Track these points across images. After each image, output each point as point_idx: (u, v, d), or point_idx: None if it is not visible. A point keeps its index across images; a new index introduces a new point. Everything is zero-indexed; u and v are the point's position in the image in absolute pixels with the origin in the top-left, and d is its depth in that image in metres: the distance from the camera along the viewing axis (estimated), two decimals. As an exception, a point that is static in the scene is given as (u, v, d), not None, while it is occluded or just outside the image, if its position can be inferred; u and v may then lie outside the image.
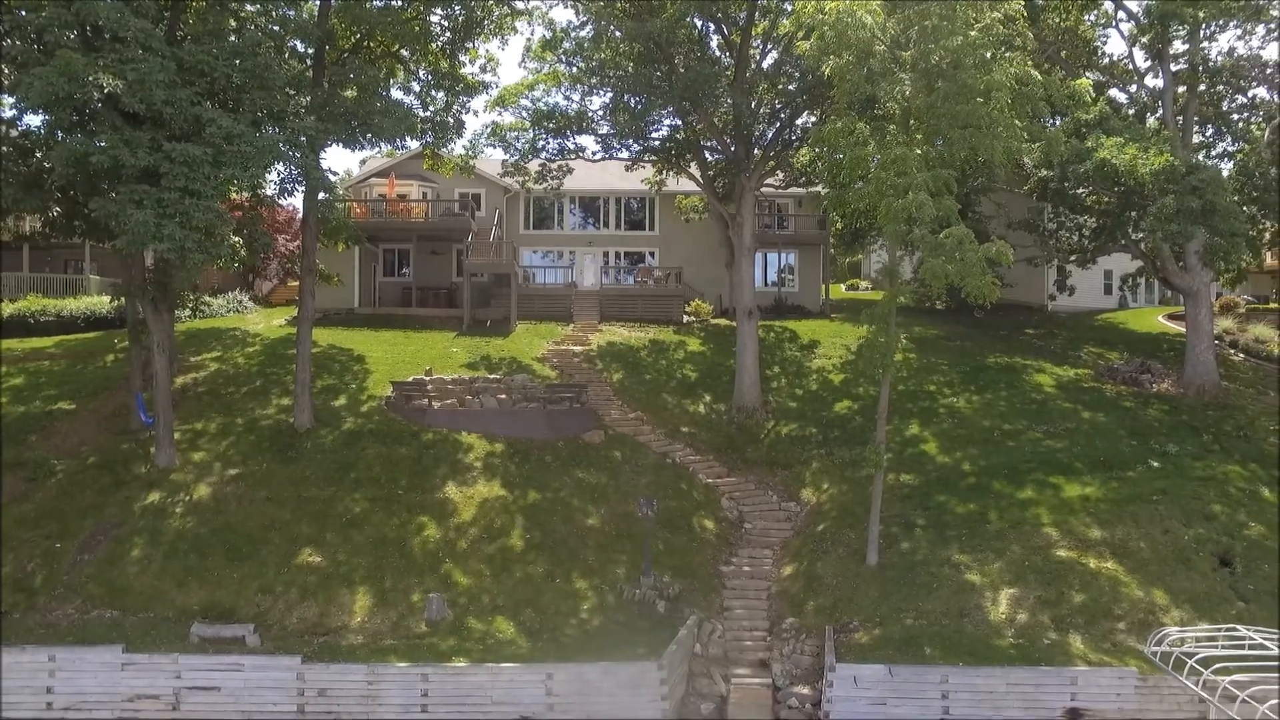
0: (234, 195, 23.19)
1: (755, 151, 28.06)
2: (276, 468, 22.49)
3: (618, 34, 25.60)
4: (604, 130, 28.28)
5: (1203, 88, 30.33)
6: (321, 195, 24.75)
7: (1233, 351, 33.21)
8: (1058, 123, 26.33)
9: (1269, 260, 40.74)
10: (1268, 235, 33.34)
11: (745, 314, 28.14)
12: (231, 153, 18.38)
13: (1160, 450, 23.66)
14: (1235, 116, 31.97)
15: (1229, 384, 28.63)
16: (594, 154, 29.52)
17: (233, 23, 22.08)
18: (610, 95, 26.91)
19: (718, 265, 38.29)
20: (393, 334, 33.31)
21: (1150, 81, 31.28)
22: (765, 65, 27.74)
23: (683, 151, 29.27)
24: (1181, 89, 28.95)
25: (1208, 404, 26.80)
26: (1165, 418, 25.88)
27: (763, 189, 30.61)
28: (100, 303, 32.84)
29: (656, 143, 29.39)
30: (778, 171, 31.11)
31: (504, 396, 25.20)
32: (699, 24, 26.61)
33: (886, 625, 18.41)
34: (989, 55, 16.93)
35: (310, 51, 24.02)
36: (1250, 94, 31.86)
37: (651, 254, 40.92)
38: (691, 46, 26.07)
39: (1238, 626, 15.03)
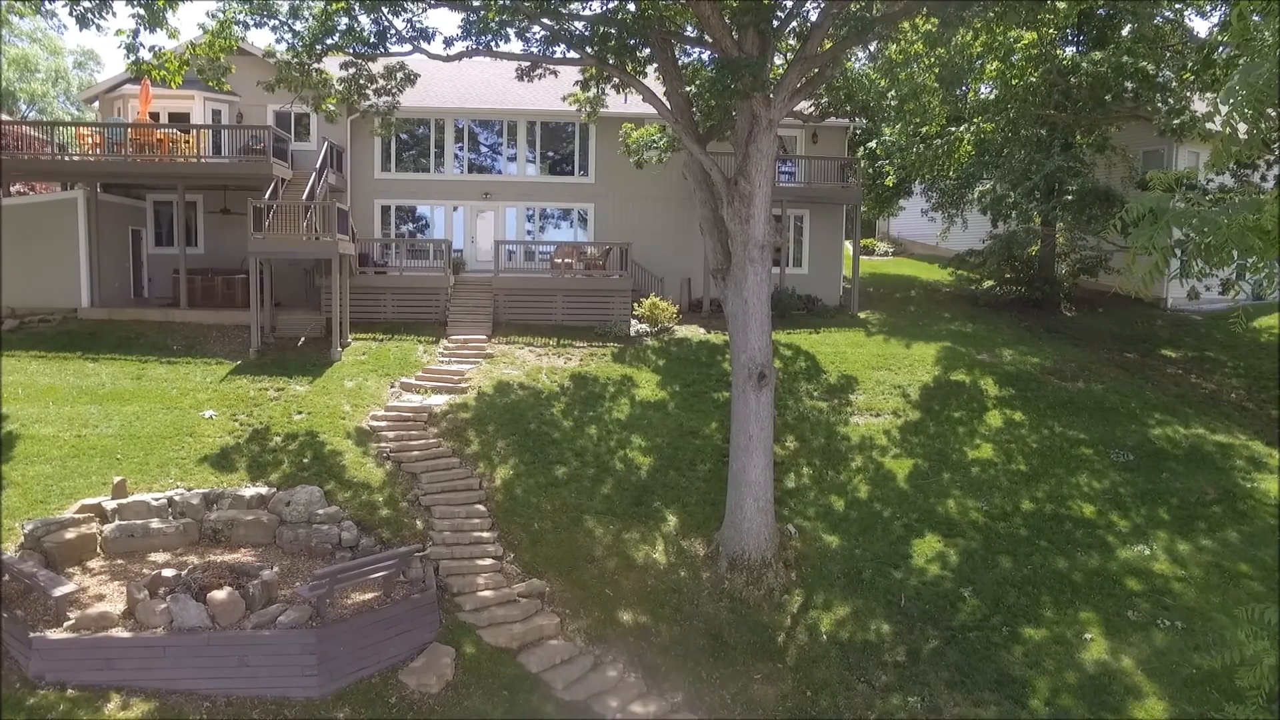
0: None
1: (785, 45, 13.71)
2: None
3: None
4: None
5: None
6: None
7: None
8: None
9: None
10: None
11: (750, 378, 14.30)
12: None
13: None
14: None
15: None
16: (449, 44, 14.45)
17: None
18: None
19: (684, 232, 24.39)
20: (121, 367, 18.88)
21: None
22: None
23: (628, 40, 14.71)
24: None
25: None
26: None
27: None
28: None
29: (581, 26, 14.77)
30: (819, 89, 16.72)
31: (227, 595, 11.14)
32: None
33: None
34: None
35: None
36: None
37: (582, 214, 26.49)
38: None
39: None
